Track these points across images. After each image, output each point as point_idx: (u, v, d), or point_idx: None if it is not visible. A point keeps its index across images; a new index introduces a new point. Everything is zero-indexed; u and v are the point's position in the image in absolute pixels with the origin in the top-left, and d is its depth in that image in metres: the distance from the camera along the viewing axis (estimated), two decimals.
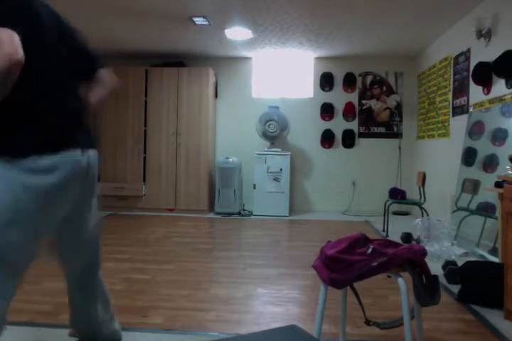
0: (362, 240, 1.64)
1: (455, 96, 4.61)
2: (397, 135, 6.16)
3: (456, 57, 4.57)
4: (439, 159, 5.08)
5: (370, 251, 1.56)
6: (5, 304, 1.18)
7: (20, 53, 1.06)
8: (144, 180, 5.89)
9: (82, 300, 1.56)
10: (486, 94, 3.87)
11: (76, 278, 1.54)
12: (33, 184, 1.19)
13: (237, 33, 4.98)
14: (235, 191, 5.72)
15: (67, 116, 1.32)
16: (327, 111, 6.21)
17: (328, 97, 6.24)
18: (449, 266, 2.88)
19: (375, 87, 6.18)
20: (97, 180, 1.46)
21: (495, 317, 2.23)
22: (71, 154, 1.27)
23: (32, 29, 1.19)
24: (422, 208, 4.34)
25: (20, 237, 1.19)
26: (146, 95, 5.89)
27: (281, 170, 5.70)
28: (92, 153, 1.39)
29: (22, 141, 1.21)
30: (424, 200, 4.44)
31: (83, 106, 1.42)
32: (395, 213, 5.98)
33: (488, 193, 3.42)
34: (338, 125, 6.22)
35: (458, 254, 3.44)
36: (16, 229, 1.18)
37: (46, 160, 1.21)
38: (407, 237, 3.98)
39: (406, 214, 5.98)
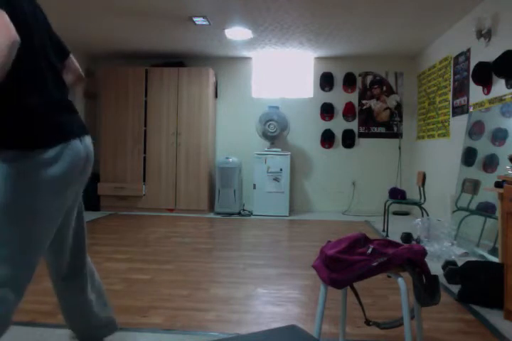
0: (362, 240, 1.64)
1: (455, 96, 4.61)
2: (397, 135, 6.16)
3: (456, 57, 4.57)
4: (439, 159, 5.08)
5: (370, 251, 1.56)
6: (18, 300, 1.19)
7: (15, 34, 1.05)
8: (144, 180, 5.89)
9: (72, 297, 1.55)
10: (486, 94, 3.87)
11: (64, 271, 1.53)
12: (38, 177, 1.20)
13: (237, 33, 4.98)
14: (235, 191, 5.73)
15: (62, 105, 1.33)
16: (327, 111, 6.21)
17: (328, 97, 6.24)
18: (449, 266, 2.88)
19: (375, 87, 6.18)
20: (91, 167, 1.47)
21: (495, 317, 2.23)
22: (71, 144, 1.28)
23: (21, 17, 1.19)
24: (422, 208, 4.34)
25: (31, 231, 1.21)
26: (146, 95, 5.89)
27: (281, 170, 5.70)
28: (88, 141, 1.39)
29: (24, 135, 1.21)
30: (424, 200, 4.44)
31: (68, 91, 1.44)
32: (395, 213, 5.98)
33: (488, 193, 3.42)
34: (338, 125, 6.23)
35: (458, 254, 3.44)
36: (28, 226, 1.20)
37: (49, 153, 1.22)
38: (407, 237, 3.98)
39: (406, 214, 5.98)
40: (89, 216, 5.42)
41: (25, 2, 1.25)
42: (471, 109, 4.18)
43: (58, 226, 1.40)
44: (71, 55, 1.52)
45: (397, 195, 4.63)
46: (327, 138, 6.21)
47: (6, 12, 1.09)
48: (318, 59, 6.26)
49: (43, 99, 1.26)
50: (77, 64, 1.55)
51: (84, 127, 1.40)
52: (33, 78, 1.24)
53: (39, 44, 1.28)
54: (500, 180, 2.58)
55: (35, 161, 1.20)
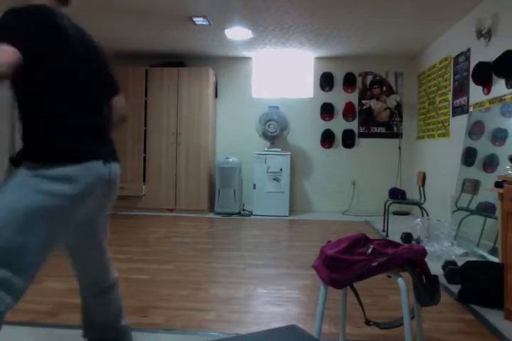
0: (362, 240, 1.64)
1: (455, 96, 4.61)
2: (397, 135, 6.16)
3: (456, 57, 4.57)
4: (439, 159, 5.08)
5: (370, 251, 1.56)
6: (12, 304, 1.19)
7: (18, 56, 1.11)
8: (144, 180, 5.89)
9: (98, 305, 1.56)
10: (486, 94, 3.87)
11: (90, 282, 1.54)
12: (53, 191, 1.22)
13: (237, 33, 4.98)
14: (235, 191, 5.73)
15: (94, 130, 1.37)
16: (327, 111, 6.21)
17: (328, 97, 6.24)
18: (449, 266, 2.88)
19: (375, 87, 6.18)
20: (116, 192, 1.49)
21: (495, 317, 2.23)
22: (94, 165, 1.31)
23: (57, 42, 1.26)
24: (422, 208, 4.34)
25: (37, 241, 1.22)
26: (146, 95, 5.90)
27: (281, 170, 5.70)
28: (114, 167, 1.42)
29: (46, 149, 1.25)
30: (424, 200, 4.44)
31: (108, 121, 1.49)
32: (395, 213, 5.98)
33: (488, 193, 3.42)
34: (338, 125, 6.23)
35: (458, 254, 3.44)
36: (33, 233, 1.21)
37: (68, 170, 1.24)
38: (407, 237, 3.98)
39: (406, 214, 5.98)
40: None
41: (67, 25, 1.31)
42: (471, 109, 4.18)
43: (77, 245, 1.44)
44: (119, 95, 1.58)
45: (397, 195, 4.63)
46: (327, 138, 6.21)
47: (34, 32, 1.19)
48: (318, 59, 6.26)
49: (72, 120, 1.30)
50: (122, 104, 1.60)
51: (114, 155, 1.44)
52: (66, 100, 1.30)
53: (77, 68, 1.33)
54: (500, 180, 2.58)
55: (50, 175, 1.23)
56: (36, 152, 1.25)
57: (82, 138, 1.32)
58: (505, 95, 3.52)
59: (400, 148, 6.13)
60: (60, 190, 1.23)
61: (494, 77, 3.70)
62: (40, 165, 1.23)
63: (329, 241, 1.70)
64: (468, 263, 2.63)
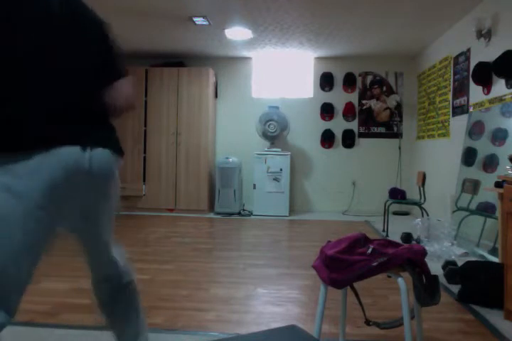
0: (362, 240, 1.64)
1: (455, 96, 4.61)
2: (397, 135, 6.16)
3: (456, 57, 4.57)
4: (439, 159, 5.08)
5: (370, 251, 1.56)
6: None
7: None
8: (144, 180, 5.89)
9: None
10: (486, 94, 3.87)
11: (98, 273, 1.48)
12: (18, 186, 1.05)
13: (237, 33, 4.98)
14: (235, 191, 5.72)
15: (68, 109, 1.15)
16: (327, 111, 6.21)
17: (328, 97, 6.24)
18: (449, 266, 2.88)
19: (375, 87, 6.18)
20: (112, 180, 1.27)
21: (495, 317, 2.22)
22: (65, 152, 1.11)
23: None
24: (422, 208, 4.34)
25: (13, 244, 1.05)
26: (146, 95, 5.90)
27: (281, 170, 5.70)
28: (98, 152, 1.19)
29: (5, 136, 1.06)
30: (424, 200, 4.44)
31: (95, 101, 1.25)
32: (395, 213, 5.98)
33: (488, 193, 3.42)
34: (338, 125, 6.23)
35: (458, 254, 3.44)
36: (6, 237, 1.04)
37: (33, 160, 1.06)
38: (407, 237, 3.98)
39: (406, 214, 5.98)
40: None
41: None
42: (471, 109, 4.18)
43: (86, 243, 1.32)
44: (121, 82, 1.29)
45: (397, 195, 4.63)
46: (327, 138, 6.21)
47: None
48: (318, 59, 6.26)
49: (41, 95, 1.11)
50: (120, 94, 1.30)
51: (101, 140, 1.22)
52: (39, 68, 1.10)
53: (56, 42, 1.13)
54: (500, 180, 2.57)
55: (13, 168, 1.05)
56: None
57: (51, 120, 1.11)
58: (505, 95, 3.52)
59: (400, 148, 6.12)
60: (24, 185, 1.04)
61: (494, 77, 3.70)
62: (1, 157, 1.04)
63: (329, 241, 1.70)
64: (468, 263, 2.63)
